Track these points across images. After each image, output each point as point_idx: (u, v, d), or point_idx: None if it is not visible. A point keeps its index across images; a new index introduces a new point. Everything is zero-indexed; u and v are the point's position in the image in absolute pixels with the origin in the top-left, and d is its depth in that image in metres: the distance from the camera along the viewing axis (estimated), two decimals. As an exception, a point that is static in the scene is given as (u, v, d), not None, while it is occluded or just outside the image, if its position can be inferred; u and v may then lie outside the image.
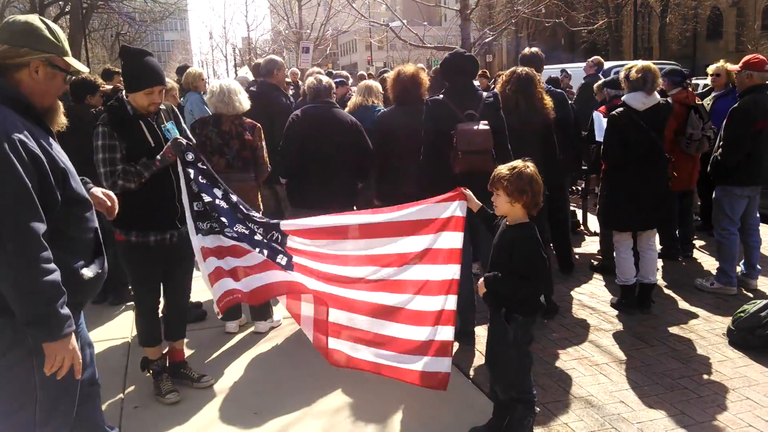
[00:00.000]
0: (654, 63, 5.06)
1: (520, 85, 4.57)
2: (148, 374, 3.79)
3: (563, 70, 10.06)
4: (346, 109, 5.34)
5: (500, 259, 3.02)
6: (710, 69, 6.45)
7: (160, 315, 3.81)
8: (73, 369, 2.17)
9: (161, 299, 3.80)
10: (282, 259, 3.49)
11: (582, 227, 7.35)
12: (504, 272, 2.97)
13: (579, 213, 7.46)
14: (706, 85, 6.73)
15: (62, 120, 2.34)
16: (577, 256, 6.26)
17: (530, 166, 2.98)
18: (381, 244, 3.50)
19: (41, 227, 2.02)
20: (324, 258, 3.55)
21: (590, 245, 6.71)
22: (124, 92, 3.47)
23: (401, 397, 3.56)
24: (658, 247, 5.67)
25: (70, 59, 2.28)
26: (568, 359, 4.14)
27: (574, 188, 7.98)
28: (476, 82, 4.89)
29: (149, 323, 3.73)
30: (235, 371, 4.06)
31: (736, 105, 5.06)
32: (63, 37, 2.26)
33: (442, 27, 31.46)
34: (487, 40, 12.16)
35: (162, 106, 3.58)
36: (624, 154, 4.66)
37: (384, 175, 4.74)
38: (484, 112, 4.14)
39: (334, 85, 4.96)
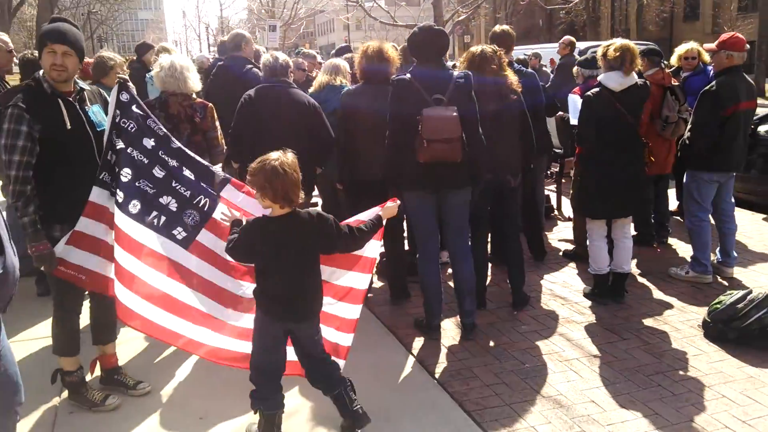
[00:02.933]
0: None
1: (472, 66, 4.24)
2: (64, 392, 3.43)
3: (536, 54, 9.75)
4: (311, 89, 5.01)
5: None
6: (681, 51, 6.22)
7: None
8: None
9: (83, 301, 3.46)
10: (180, 234, 3.26)
11: (556, 212, 7.15)
12: None
13: (553, 197, 7.25)
14: (671, 66, 6.47)
15: None
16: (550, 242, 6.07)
17: (281, 158, 2.70)
18: None
19: None
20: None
21: (563, 231, 6.51)
22: (41, 72, 3.12)
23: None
24: (633, 232, 5.49)
25: None
26: (537, 354, 3.92)
27: (548, 172, 7.76)
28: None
29: (69, 329, 3.36)
30: (179, 374, 3.76)
31: (708, 87, 4.80)
32: None
33: (420, 8, 31.03)
34: (460, 18, 11.82)
35: (86, 88, 3.27)
36: (598, 138, 4.42)
37: (346, 160, 4.44)
38: (454, 95, 3.79)
39: (291, 64, 4.63)
